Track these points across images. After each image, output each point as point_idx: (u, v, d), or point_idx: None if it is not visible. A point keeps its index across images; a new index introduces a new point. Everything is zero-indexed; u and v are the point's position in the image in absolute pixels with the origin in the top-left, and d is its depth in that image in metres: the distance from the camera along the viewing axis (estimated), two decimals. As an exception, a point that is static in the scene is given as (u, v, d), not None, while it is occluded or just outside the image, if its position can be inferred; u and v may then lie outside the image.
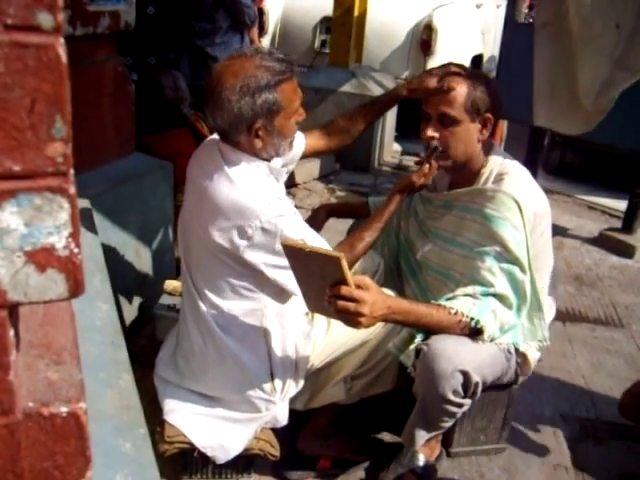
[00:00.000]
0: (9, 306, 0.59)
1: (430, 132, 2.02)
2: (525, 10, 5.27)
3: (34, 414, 0.63)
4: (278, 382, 2.00)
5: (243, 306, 1.91)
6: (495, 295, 1.93)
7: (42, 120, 0.52)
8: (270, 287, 1.91)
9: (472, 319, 1.89)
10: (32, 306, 0.63)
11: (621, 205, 4.94)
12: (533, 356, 2.20)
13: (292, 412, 2.11)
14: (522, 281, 1.96)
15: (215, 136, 1.93)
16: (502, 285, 1.94)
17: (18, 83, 0.50)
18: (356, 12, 5.23)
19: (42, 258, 0.57)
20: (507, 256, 1.95)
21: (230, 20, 4.36)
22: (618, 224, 4.72)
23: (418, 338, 1.96)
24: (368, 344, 2.12)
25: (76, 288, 0.58)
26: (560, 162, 5.94)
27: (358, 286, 1.69)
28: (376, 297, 1.72)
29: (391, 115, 5.68)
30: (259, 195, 1.79)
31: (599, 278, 4.07)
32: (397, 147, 6.07)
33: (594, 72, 2.52)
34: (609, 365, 3.11)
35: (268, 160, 1.89)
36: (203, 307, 1.92)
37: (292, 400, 2.09)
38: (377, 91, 5.28)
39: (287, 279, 1.82)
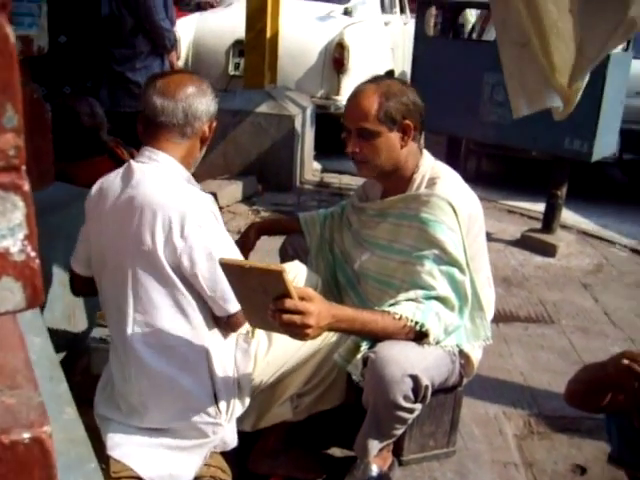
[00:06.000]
0: (-42, 323, 0.54)
1: (351, 147, 2.07)
2: (432, 25, 5.42)
3: (-8, 443, 0.58)
4: (222, 403, 1.93)
5: (182, 325, 1.85)
6: (437, 298, 1.94)
7: (-10, 110, 0.47)
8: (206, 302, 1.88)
9: (417, 323, 1.89)
10: (-23, 329, 0.58)
11: (539, 207, 5.10)
12: (476, 356, 2.22)
13: (241, 434, 2.05)
14: (462, 282, 1.98)
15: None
16: (443, 287, 1.94)
17: (-38, 70, 0.46)
18: (268, 34, 5.24)
19: (-5, 265, 0.52)
20: (446, 258, 1.96)
21: (150, 45, 4.32)
22: (538, 225, 4.86)
23: (364, 346, 1.94)
24: (313, 360, 2.09)
25: (34, 297, 0.53)
26: (477, 169, 6.10)
27: (302, 298, 1.66)
28: (321, 307, 1.70)
29: (310, 134, 5.71)
30: (189, 196, 1.81)
31: (525, 278, 4.17)
32: (317, 165, 6.10)
33: (562, 56, 2.65)
34: (544, 360, 3.18)
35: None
36: (136, 337, 1.85)
37: (239, 422, 2.03)
38: (294, 110, 5.30)
39: (218, 286, 1.80)
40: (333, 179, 5.86)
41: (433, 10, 5.44)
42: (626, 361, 1.47)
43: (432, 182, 2.05)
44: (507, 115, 4.46)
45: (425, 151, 2.17)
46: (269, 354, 2.06)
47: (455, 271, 1.96)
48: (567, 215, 5.09)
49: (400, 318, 1.87)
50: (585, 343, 3.36)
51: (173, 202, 1.77)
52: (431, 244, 1.96)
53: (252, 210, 5.01)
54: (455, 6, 5.25)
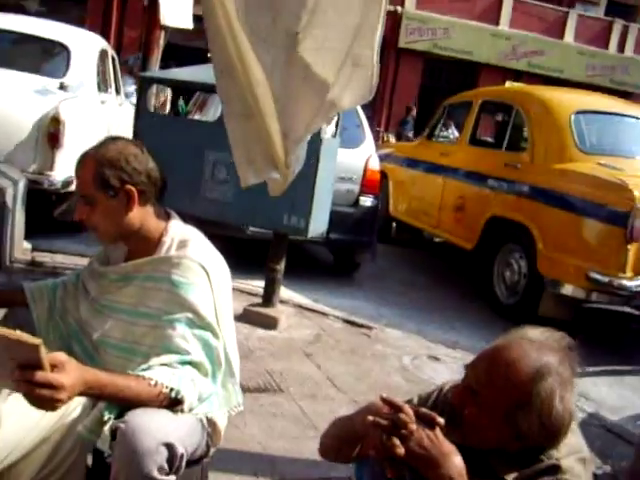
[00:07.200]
0: None
1: (77, 214, 2.03)
2: (154, 104, 5.49)
3: None
4: None
5: None
6: (191, 363, 1.88)
7: None
8: None
9: (172, 390, 1.81)
10: None
11: (258, 283, 5.27)
12: (222, 425, 2.17)
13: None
14: (216, 347, 1.95)
15: None
16: (197, 352, 1.89)
17: None
18: (-24, 102, 4.87)
19: None
20: (199, 322, 1.92)
21: None
22: (259, 300, 5.02)
23: (107, 415, 1.81)
24: (51, 439, 1.91)
25: None
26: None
27: (54, 365, 1.54)
28: (74, 375, 1.60)
29: (20, 210, 5.33)
30: None
31: (251, 350, 4.26)
32: (27, 245, 5.70)
33: (278, 137, 2.79)
34: (279, 428, 3.25)
35: None
36: None
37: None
38: (4, 184, 4.92)
39: None
40: (46, 258, 5.51)
41: (154, 88, 5.49)
42: (370, 417, 1.54)
43: (183, 245, 2.02)
44: (228, 192, 4.63)
45: (173, 213, 2.15)
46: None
47: (209, 335, 1.93)
48: (283, 291, 5.33)
49: (156, 384, 1.78)
50: (314, 408, 3.50)
51: None
52: (183, 307, 1.91)
53: (-46, 292, 4.50)
54: (177, 85, 5.37)
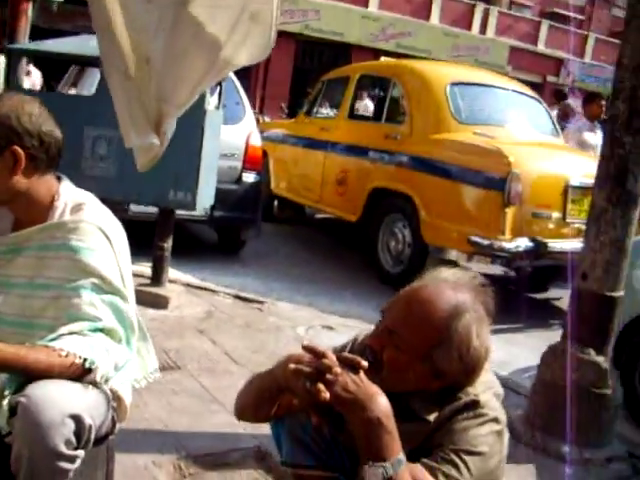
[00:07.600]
0: None
1: None
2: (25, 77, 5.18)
3: None
4: None
5: None
6: (103, 330, 1.77)
7: None
8: None
9: (85, 360, 1.70)
10: None
11: (145, 264, 5.10)
12: (128, 399, 2.06)
13: None
14: (127, 312, 1.86)
15: None
16: (108, 318, 1.79)
17: None
18: None
19: None
20: (106, 287, 1.82)
21: None
22: (146, 281, 4.86)
23: (8, 391, 1.68)
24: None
25: None
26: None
27: None
28: None
29: None
30: None
31: (144, 331, 4.13)
32: None
33: (145, 105, 2.63)
34: (180, 405, 3.17)
35: None
36: None
37: None
38: None
39: None
40: None
41: (24, 62, 5.17)
42: (292, 365, 1.52)
43: (78, 208, 1.90)
44: (111, 169, 4.45)
45: (64, 177, 2.02)
46: None
47: (118, 300, 1.83)
48: (170, 271, 5.19)
49: (67, 355, 1.67)
50: (214, 382, 3.44)
51: None
52: (86, 273, 1.80)
53: None
54: (51, 57, 5.09)
